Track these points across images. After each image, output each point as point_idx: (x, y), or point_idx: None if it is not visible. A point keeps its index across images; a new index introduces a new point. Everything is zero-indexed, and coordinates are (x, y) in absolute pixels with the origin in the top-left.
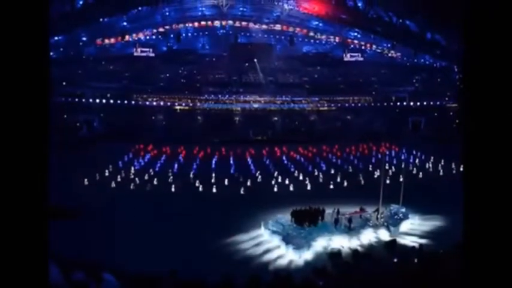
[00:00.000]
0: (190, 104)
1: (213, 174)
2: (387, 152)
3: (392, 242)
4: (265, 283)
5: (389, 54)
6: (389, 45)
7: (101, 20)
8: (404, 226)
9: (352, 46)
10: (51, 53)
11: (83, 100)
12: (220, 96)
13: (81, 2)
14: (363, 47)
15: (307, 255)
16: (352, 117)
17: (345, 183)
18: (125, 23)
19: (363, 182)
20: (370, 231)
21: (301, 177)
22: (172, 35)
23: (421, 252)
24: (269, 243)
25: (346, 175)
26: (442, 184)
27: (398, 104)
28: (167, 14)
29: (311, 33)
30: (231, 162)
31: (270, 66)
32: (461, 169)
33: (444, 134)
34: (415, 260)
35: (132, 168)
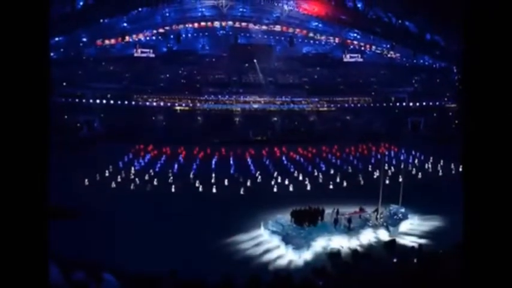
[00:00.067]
0: (190, 105)
1: (213, 175)
2: (387, 153)
3: (392, 242)
4: (265, 283)
5: (389, 55)
6: (388, 46)
7: (101, 20)
8: (404, 226)
9: (351, 47)
10: (52, 54)
11: (83, 100)
12: (220, 96)
13: (81, 3)
14: (362, 48)
15: (307, 255)
16: (352, 118)
17: (345, 184)
18: (125, 24)
19: (362, 182)
20: (370, 231)
21: (300, 178)
22: (172, 36)
23: (421, 252)
24: (269, 243)
25: (345, 175)
26: (442, 184)
27: (397, 104)
28: (167, 14)
29: (311, 34)
30: (231, 162)
31: (270, 66)
32: (461, 169)
33: (443, 134)
34: (415, 260)
35: (132, 168)
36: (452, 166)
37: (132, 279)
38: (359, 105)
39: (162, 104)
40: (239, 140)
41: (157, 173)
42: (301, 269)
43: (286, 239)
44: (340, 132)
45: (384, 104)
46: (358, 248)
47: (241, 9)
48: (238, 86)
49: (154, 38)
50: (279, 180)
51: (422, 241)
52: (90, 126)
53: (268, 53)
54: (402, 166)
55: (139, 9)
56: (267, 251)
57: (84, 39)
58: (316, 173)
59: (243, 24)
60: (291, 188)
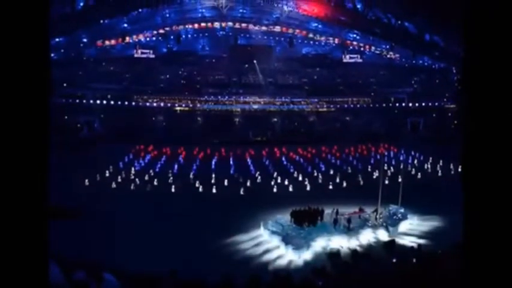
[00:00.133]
0: (190, 105)
1: (213, 175)
2: (386, 153)
3: (391, 242)
4: (264, 283)
5: (388, 56)
6: (388, 46)
7: (102, 21)
8: (403, 226)
9: (351, 47)
10: (52, 55)
11: (84, 101)
12: (220, 97)
13: (81, 4)
14: (361, 49)
15: (307, 255)
16: (351, 118)
17: (344, 184)
18: (125, 25)
19: (362, 182)
20: (369, 232)
21: (300, 178)
22: (172, 37)
23: (420, 253)
24: (269, 243)
25: (345, 176)
26: (441, 184)
27: (397, 105)
28: (167, 15)
29: (310, 35)
30: (231, 162)
31: (270, 67)
32: (461, 169)
33: (443, 134)
34: (414, 260)
35: (133, 168)
36: (452, 166)
37: (132, 279)
38: (358, 105)
39: (162, 104)
40: (239, 140)
41: (157, 173)
42: (301, 269)
43: (286, 239)
44: (339, 132)
45: (384, 105)
46: (358, 248)
47: (241, 10)
48: (238, 87)
49: (154, 38)
50: (279, 181)
51: (422, 241)
52: (90, 126)
53: (268, 53)
54: (401, 166)
55: (140, 10)
56: (266, 251)
57: (85, 40)
58: (315, 174)
59: (243, 25)
60: (290, 189)
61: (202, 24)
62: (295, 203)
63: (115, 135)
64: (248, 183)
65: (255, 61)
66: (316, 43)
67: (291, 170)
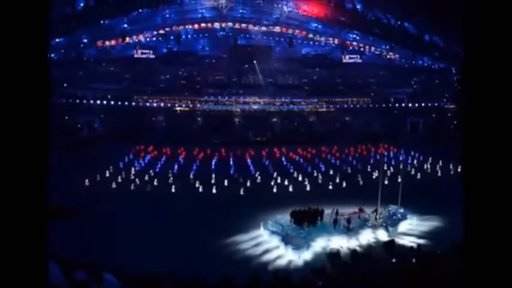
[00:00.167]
0: (190, 105)
1: (213, 175)
2: (386, 153)
3: (391, 242)
4: (264, 283)
5: (388, 56)
6: (387, 47)
7: (102, 22)
8: (403, 226)
9: (350, 48)
10: (53, 55)
11: (84, 101)
12: (220, 97)
13: (82, 4)
14: (361, 49)
15: (306, 255)
16: (351, 119)
17: (344, 184)
18: (125, 25)
19: (361, 182)
20: (369, 232)
21: (300, 178)
22: (172, 37)
23: (419, 253)
24: (268, 243)
25: (345, 176)
26: (440, 185)
27: (396, 105)
28: (167, 16)
29: (310, 35)
30: (231, 163)
31: (270, 67)
32: (461, 169)
33: (442, 135)
34: (413, 260)
35: (133, 169)
36: (451, 166)
37: (132, 279)
38: (358, 106)
39: (162, 104)
40: (239, 140)
41: (157, 174)
42: (300, 269)
43: (286, 239)
44: (339, 132)
45: (383, 105)
46: (358, 248)
47: (241, 11)
48: (238, 87)
49: (154, 39)
50: (279, 181)
51: (421, 241)
52: (90, 126)
53: (268, 54)
54: (401, 166)
55: (140, 10)
56: (266, 251)
57: (85, 40)
58: (315, 174)
59: (243, 25)
60: (290, 189)
61: (202, 25)
62: (295, 203)
63: (115, 136)
64: (248, 184)
65: (254, 61)
66: (316, 43)
67: (291, 170)
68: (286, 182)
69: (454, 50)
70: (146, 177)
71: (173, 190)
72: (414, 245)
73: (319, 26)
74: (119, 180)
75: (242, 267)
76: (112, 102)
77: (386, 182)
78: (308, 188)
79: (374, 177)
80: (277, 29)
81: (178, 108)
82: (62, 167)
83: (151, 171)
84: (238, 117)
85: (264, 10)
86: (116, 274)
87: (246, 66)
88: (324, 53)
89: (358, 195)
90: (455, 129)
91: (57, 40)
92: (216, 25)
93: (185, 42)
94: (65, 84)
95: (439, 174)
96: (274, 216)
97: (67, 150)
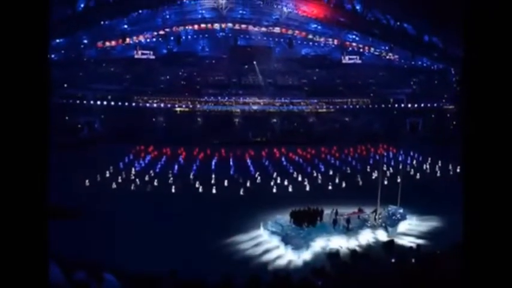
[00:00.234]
0: (190, 106)
1: (213, 175)
2: (385, 153)
3: (390, 243)
4: (264, 283)
5: (387, 57)
6: (387, 47)
7: (102, 22)
8: (402, 227)
9: (350, 48)
10: (53, 56)
11: (84, 102)
12: (219, 98)
13: (82, 5)
14: (361, 50)
15: (306, 255)
16: (351, 119)
17: (343, 184)
18: (125, 26)
19: (361, 183)
20: (368, 232)
21: (300, 178)
22: (172, 38)
23: (419, 253)
24: (268, 243)
25: (344, 176)
26: (440, 185)
27: (396, 105)
28: (167, 17)
29: (310, 36)
30: (231, 163)
31: (269, 68)
32: (461, 170)
33: (441, 135)
34: (413, 260)
35: (133, 169)
36: (451, 167)
37: (132, 279)
38: (358, 106)
39: (162, 105)
40: (239, 141)
41: (157, 174)
42: (300, 269)
43: (286, 239)
44: (339, 133)
45: (383, 105)
46: (357, 248)
47: (240, 11)
48: (237, 88)
49: (154, 39)
50: (279, 181)
51: (421, 241)
52: (90, 127)
53: (268, 54)
54: (400, 167)
55: (140, 11)
56: (266, 251)
57: (85, 41)
58: (315, 174)
59: (243, 26)
60: (290, 189)
61: (202, 26)
62: (294, 204)
63: (115, 136)
64: (248, 184)
65: (254, 62)
66: (316, 44)
67: (291, 171)
68: (285, 182)
69: (453, 50)
70: (146, 178)
71: (173, 190)
72: (413, 245)
73: (319, 27)
74: (119, 180)
75: (242, 267)
76: (112, 103)
77: (385, 182)
78: (308, 188)
79: (373, 177)
80: (276, 29)
81: (178, 109)
82: (62, 167)
83: (151, 171)
84: (238, 118)
85: (264, 11)
86: (116, 274)
87: (246, 66)
88: (324, 53)
89: (358, 195)
90: (455, 129)
91: (57, 41)
92: (216, 26)
93: (185, 42)
94: (66, 85)
95: (438, 174)
96: (274, 216)
97: (67, 150)
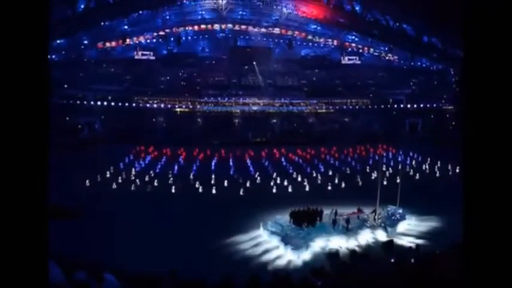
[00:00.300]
0: (190, 107)
1: (213, 176)
2: (384, 154)
3: (390, 243)
4: (264, 283)
5: (387, 57)
6: (386, 48)
7: (102, 23)
8: (401, 227)
9: (349, 49)
10: (53, 56)
11: (85, 102)
12: (219, 98)
13: (82, 6)
14: (360, 50)
15: (306, 255)
16: (350, 120)
17: (343, 185)
18: (125, 27)
19: (360, 183)
20: (368, 232)
21: (299, 179)
22: (172, 39)
23: (418, 253)
24: (268, 243)
25: (344, 176)
26: (439, 185)
27: (395, 106)
28: (167, 17)
29: (309, 37)
30: (231, 163)
31: (269, 69)
32: (461, 170)
33: (441, 135)
34: (412, 260)
35: (133, 169)
36: (450, 167)
37: (132, 279)
38: (357, 107)
39: (162, 105)
40: (238, 141)
41: (157, 174)
42: (300, 269)
43: (285, 240)
44: (338, 133)
45: (382, 106)
46: (356, 249)
47: (240, 12)
48: (237, 88)
49: (154, 40)
50: (278, 182)
51: (420, 241)
52: (91, 127)
53: (267, 55)
54: (400, 167)
55: (140, 12)
56: (266, 251)
57: (85, 42)
58: (314, 174)
59: (243, 27)
60: (290, 189)
61: (202, 26)
62: (294, 204)
63: (115, 136)
64: (248, 184)
65: (254, 63)
66: (315, 45)
67: (290, 171)
68: (285, 183)
69: (453, 51)
70: (146, 178)
71: (173, 190)
72: (413, 245)
73: (318, 28)
74: (119, 180)
75: (242, 267)
76: (112, 103)
77: (385, 183)
78: (307, 189)
79: (373, 177)
80: (276, 30)
81: (178, 109)
82: (62, 167)
83: (151, 171)
84: (237, 118)
85: (264, 12)
86: (116, 274)
87: (246, 67)
88: (323, 54)
89: (357, 195)
90: (454, 130)
91: (57, 41)
92: (216, 26)
93: (185, 43)
94: (66, 85)
95: (438, 174)
96: (274, 216)
97: (67, 151)
